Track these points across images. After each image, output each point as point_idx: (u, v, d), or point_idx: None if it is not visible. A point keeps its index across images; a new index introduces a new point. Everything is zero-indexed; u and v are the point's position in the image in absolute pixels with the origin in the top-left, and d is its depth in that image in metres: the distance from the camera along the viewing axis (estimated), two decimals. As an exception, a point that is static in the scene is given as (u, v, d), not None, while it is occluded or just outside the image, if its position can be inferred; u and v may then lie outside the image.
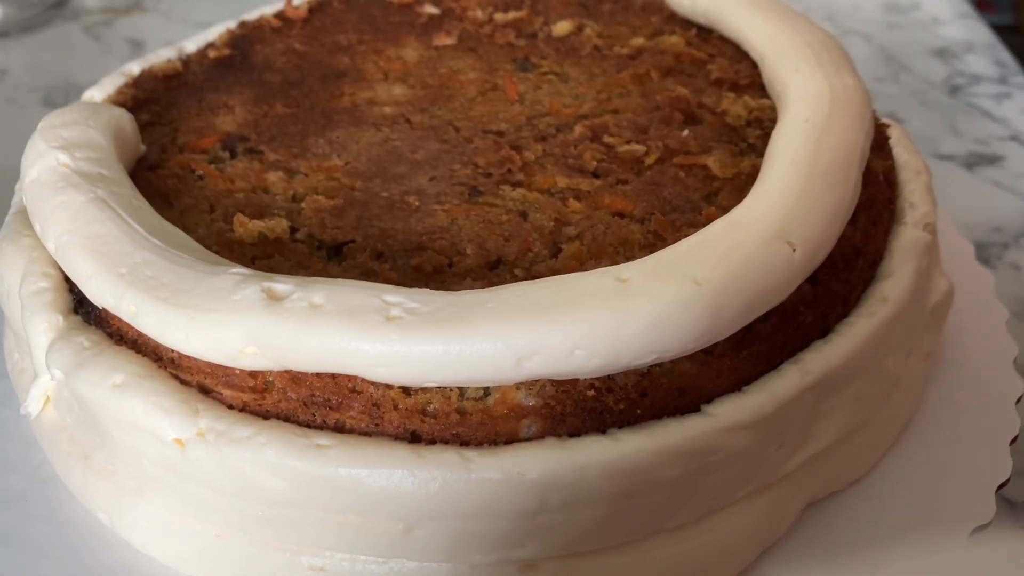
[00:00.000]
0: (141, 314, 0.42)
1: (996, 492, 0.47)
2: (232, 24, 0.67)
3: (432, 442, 0.41)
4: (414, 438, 0.41)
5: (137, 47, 0.96)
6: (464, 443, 0.41)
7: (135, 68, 0.62)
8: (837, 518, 0.47)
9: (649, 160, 0.52)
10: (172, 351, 0.43)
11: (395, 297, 0.40)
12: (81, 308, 0.47)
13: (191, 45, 0.65)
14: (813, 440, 0.45)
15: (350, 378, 0.41)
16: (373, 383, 0.41)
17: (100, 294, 0.43)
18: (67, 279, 0.47)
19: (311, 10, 0.69)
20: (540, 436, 0.41)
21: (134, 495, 0.45)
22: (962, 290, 0.56)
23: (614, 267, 0.42)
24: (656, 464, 0.41)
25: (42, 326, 0.45)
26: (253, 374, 0.42)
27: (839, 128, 0.49)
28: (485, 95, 0.60)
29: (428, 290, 0.41)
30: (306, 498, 0.41)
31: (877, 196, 0.50)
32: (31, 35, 0.96)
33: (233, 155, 0.55)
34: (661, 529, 0.43)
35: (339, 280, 0.41)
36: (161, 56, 0.63)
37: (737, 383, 0.43)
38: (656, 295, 0.40)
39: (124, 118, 0.53)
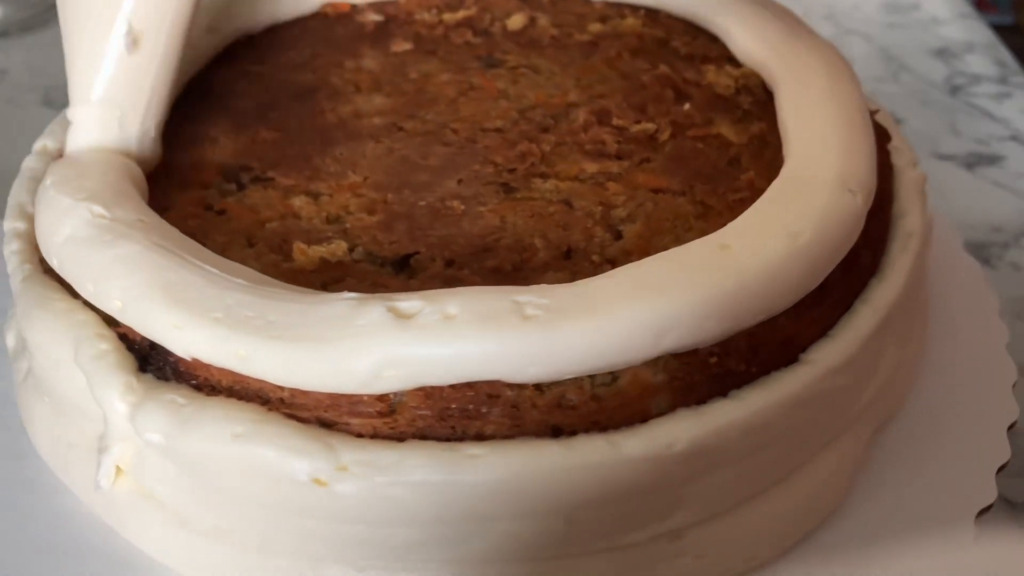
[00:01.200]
0: (253, 357, 0.40)
1: (996, 475, 0.48)
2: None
3: (573, 433, 0.41)
4: (555, 432, 0.41)
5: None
6: (603, 429, 0.42)
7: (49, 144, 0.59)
8: (835, 518, 0.47)
9: (663, 137, 0.54)
10: (282, 391, 0.41)
11: (524, 296, 0.40)
12: (149, 366, 0.44)
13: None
14: (879, 372, 0.49)
15: (489, 384, 0.41)
16: (509, 385, 0.41)
17: (192, 345, 0.41)
18: (123, 338, 0.44)
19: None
20: (672, 409, 0.42)
21: (256, 552, 0.42)
22: (952, 279, 0.58)
23: (710, 236, 0.44)
24: (777, 416, 0.43)
25: (117, 391, 0.42)
26: (381, 398, 0.41)
27: (840, 80, 0.53)
28: (465, 95, 0.60)
29: (549, 285, 0.41)
30: (463, 512, 0.40)
31: (879, 141, 0.54)
32: (31, 35, 0.95)
33: (240, 186, 0.52)
34: (780, 479, 0.45)
35: (460, 289, 0.41)
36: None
37: (824, 329, 0.46)
38: (762, 255, 0.42)
39: (129, 161, 0.49)
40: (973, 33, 0.97)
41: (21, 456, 0.50)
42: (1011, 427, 0.50)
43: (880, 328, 0.47)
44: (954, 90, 0.89)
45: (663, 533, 0.43)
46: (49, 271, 0.48)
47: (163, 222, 0.45)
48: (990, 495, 0.47)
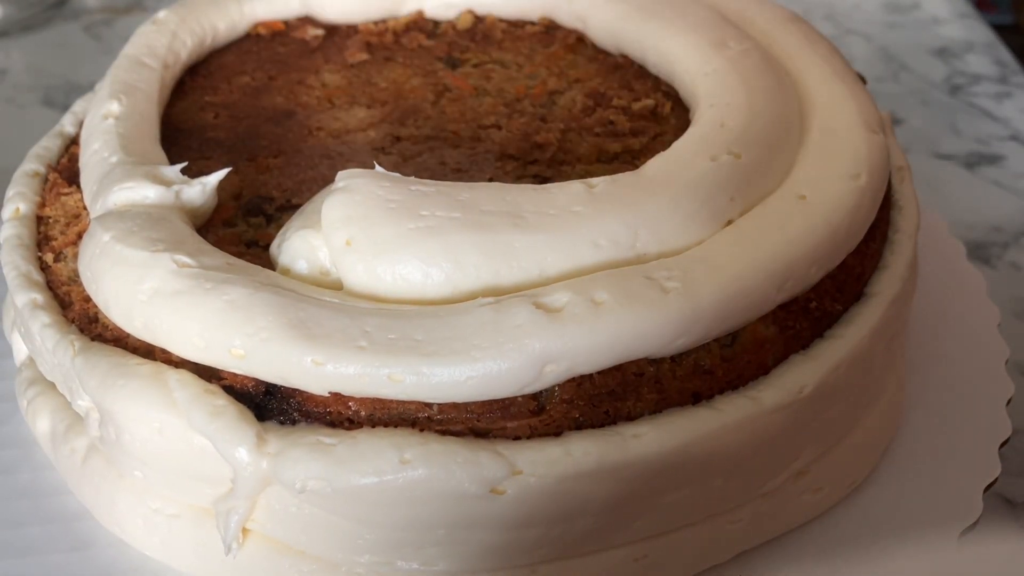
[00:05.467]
0: (410, 379, 0.39)
1: (990, 491, 0.48)
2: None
3: (711, 396, 0.43)
4: (695, 399, 0.43)
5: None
6: (735, 387, 0.43)
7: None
8: (829, 520, 0.48)
9: (665, 111, 0.56)
10: (430, 409, 0.40)
11: (654, 271, 0.41)
12: (267, 412, 0.41)
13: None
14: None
15: (636, 363, 0.41)
16: (650, 361, 0.42)
17: (334, 379, 0.39)
18: (228, 389, 0.41)
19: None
20: (785, 357, 0.45)
21: (421, 576, 0.41)
22: (954, 291, 0.58)
23: (781, 189, 0.46)
24: (869, 345, 0.46)
25: (247, 446, 0.39)
26: (534, 396, 0.41)
27: (811, 35, 0.57)
28: (443, 96, 0.59)
29: (667, 259, 0.42)
30: (634, 491, 0.41)
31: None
32: (31, 35, 0.96)
33: (268, 217, 0.50)
34: (869, 402, 0.49)
35: (592, 276, 0.41)
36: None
37: (875, 263, 0.50)
38: (836, 200, 0.46)
39: (171, 195, 0.46)
40: (973, 33, 0.96)
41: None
42: (1005, 443, 0.50)
43: (913, 255, 0.52)
44: (954, 90, 0.88)
45: (793, 474, 0.45)
46: (99, 338, 0.44)
47: (249, 264, 0.42)
48: (976, 511, 0.47)
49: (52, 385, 0.48)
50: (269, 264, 0.45)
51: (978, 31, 0.98)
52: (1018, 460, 0.53)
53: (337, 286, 0.42)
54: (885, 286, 0.49)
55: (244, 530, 0.42)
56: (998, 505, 0.50)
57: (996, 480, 0.49)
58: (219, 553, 0.42)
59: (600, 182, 0.44)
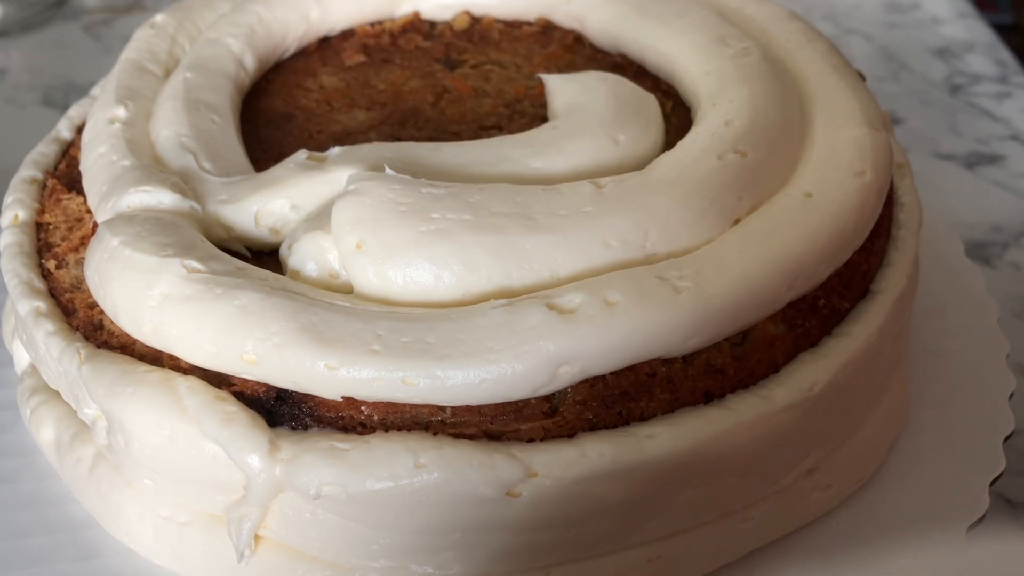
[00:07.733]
0: (424, 383, 0.38)
1: (991, 488, 0.48)
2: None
3: (722, 395, 0.43)
4: (707, 398, 0.43)
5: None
6: (746, 386, 0.43)
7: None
8: (836, 517, 0.48)
9: (665, 111, 0.56)
10: (443, 412, 0.40)
11: (665, 271, 0.41)
12: (279, 418, 0.41)
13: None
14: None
15: (648, 363, 0.41)
16: (663, 361, 0.42)
17: (347, 383, 0.39)
18: (239, 396, 0.41)
19: (186, 63, 0.62)
20: (793, 356, 0.45)
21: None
22: (953, 287, 0.58)
23: (787, 188, 0.46)
24: (876, 343, 0.47)
25: (260, 453, 0.39)
26: (547, 398, 0.40)
27: (810, 34, 0.57)
28: (443, 98, 0.59)
29: (678, 258, 0.42)
30: (650, 492, 0.41)
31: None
32: (31, 35, 0.95)
33: (273, 221, 0.49)
34: (875, 399, 0.49)
35: (610, 276, 0.41)
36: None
37: (879, 260, 0.50)
38: (842, 198, 0.46)
39: (186, 205, 0.45)
40: (973, 32, 0.96)
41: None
42: (1008, 437, 0.50)
43: (916, 252, 0.52)
44: (954, 90, 0.88)
45: (803, 472, 0.45)
46: (105, 345, 0.44)
47: (259, 268, 0.42)
48: (983, 506, 0.47)
49: (56, 394, 0.47)
50: (277, 268, 0.45)
51: (978, 31, 0.97)
52: (1018, 460, 0.53)
53: (347, 289, 0.42)
54: (890, 283, 0.49)
55: (256, 537, 0.41)
56: (999, 505, 0.50)
57: (1001, 475, 0.49)
58: (231, 560, 0.41)
59: (608, 182, 0.44)
